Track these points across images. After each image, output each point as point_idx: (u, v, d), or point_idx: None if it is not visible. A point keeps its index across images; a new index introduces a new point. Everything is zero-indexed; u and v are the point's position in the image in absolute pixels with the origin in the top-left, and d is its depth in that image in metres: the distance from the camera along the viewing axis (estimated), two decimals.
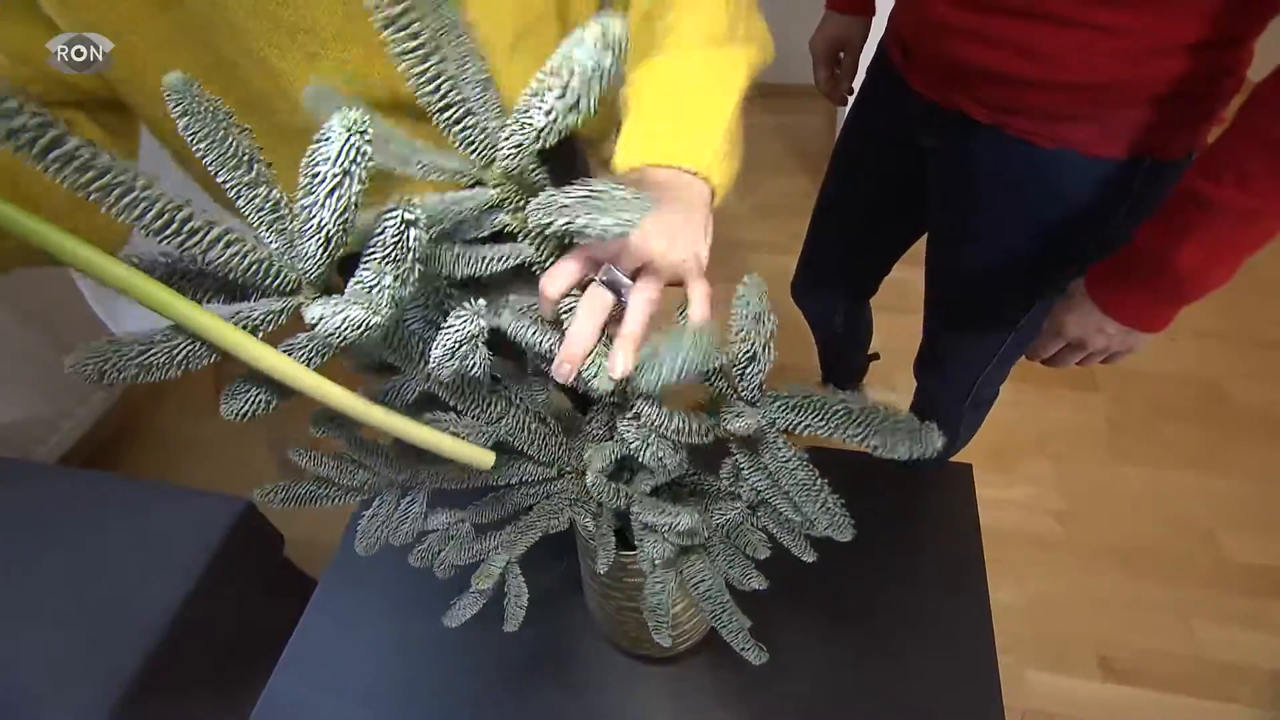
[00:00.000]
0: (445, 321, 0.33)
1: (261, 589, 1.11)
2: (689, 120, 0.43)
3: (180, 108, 0.28)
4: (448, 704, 0.69)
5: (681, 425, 0.39)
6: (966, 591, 0.71)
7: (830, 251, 1.10)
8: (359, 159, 0.26)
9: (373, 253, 0.29)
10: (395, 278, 0.29)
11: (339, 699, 0.70)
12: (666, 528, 0.44)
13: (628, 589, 0.58)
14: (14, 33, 0.42)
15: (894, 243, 1.05)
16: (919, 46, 0.74)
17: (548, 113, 0.30)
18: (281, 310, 0.32)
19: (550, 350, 0.37)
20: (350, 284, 0.30)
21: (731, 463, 0.45)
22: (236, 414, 0.34)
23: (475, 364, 0.33)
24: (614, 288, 0.36)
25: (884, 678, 0.67)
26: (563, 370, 0.36)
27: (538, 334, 0.38)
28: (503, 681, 0.70)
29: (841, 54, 0.99)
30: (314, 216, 0.28)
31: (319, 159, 0.27)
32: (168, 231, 0.27)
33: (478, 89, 0.33)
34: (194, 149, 0.29)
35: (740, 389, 0.38)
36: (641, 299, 0.36)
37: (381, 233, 0.28)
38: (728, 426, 0.38)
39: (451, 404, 0.42)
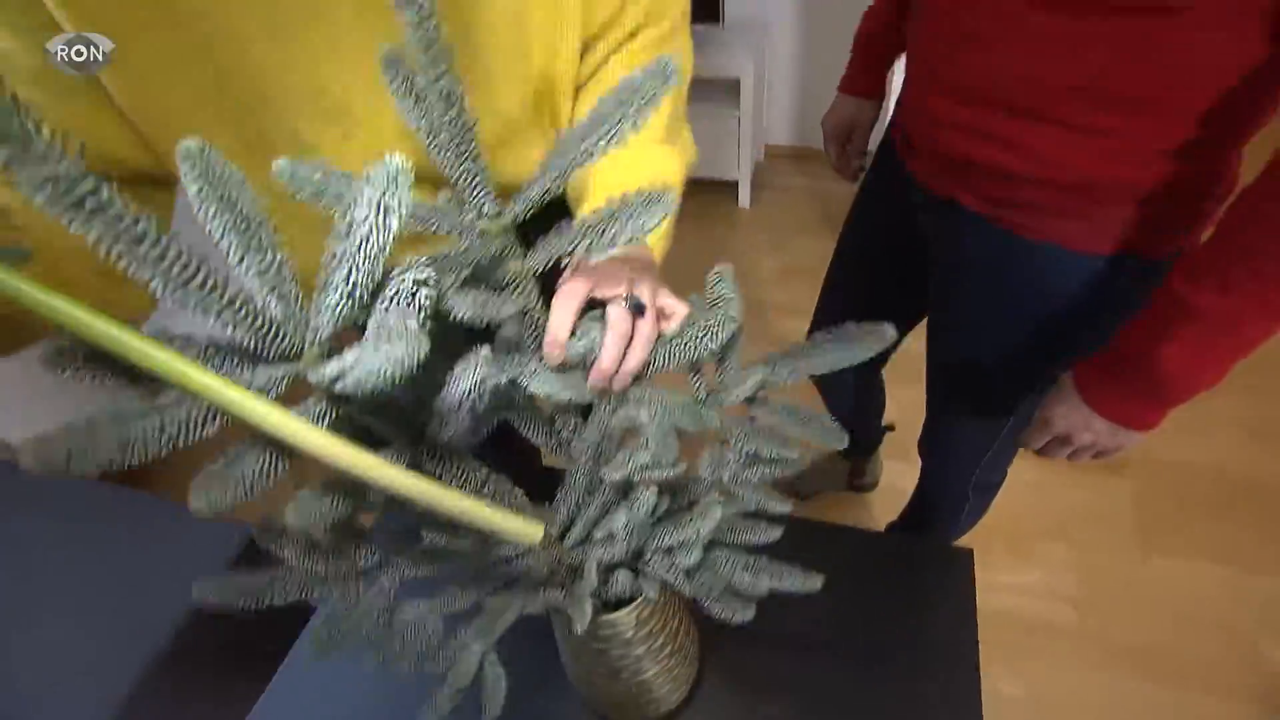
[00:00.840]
0: (455, 369, 0.34)
1: (261, 613, 1.14)
2: None
3: (197, 170, 0.28)
4: None
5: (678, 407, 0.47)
6: (958, 682, 0.69)
7: (838, 323, 1.10)
8: (402, 198, 0.27)
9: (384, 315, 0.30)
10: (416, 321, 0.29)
11: None
12: (693, 538, 0.47)
13: (592, 652, 0.58)
14: (74, 113, 0.46)
15: (899, 318, 1.05)
16: (918, 135, 0.76)
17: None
18: (283, 377, 0.32)
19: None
20: (368, 332, 0.29)
21: (709, 452, 0.51)
22: (210, 506, 0.31)
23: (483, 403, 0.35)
24: (637, 309, 0.44)
25: None
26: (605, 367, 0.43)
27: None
28: None
29: (853, 134, 1.02)
30: (343, 264, 0.28)
31: (360, 200, 0.27)
32: (193, 283, 0.27)
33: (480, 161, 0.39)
34: (202, 213, 0.29)
35: (727, 365, 0.48)
36: (652, 317, 0.45)
37: (395, 292, 0.30)
38: (734, 393, 0.48)
39: (437, 474, 0.42)
